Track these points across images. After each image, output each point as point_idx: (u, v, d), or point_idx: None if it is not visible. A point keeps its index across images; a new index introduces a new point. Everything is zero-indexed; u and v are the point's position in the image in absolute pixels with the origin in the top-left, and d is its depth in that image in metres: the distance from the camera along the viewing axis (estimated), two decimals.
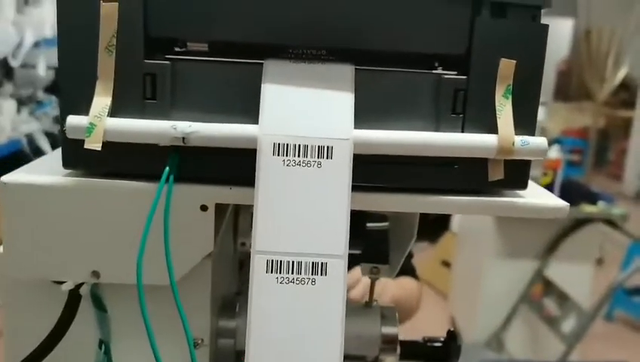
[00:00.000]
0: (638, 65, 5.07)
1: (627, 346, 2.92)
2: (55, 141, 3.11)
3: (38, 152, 2.95)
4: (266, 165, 0.44)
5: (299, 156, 0.45)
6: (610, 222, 2.42)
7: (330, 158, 0.45)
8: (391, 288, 1.08)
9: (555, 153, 2.33)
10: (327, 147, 0.45)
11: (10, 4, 2.91)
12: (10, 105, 2.96)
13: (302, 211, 0.45)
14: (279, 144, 0.44)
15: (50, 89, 3.36)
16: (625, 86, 5.27)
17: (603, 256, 3.42)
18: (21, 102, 3.09)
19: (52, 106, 3.25)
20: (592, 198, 2.43)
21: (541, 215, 0.48)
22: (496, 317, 2.51)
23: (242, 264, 0.82)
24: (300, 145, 0.45)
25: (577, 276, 2.47)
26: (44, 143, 3.06)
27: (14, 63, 2.93)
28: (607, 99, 5.10)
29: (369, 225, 0.67)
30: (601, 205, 2.43)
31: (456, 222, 3.04)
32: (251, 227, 0.81)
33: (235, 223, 0.76)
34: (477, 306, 2.55)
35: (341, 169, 0.45)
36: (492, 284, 2.51)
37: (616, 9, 4.67)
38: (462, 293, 2.81)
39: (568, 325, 2.26)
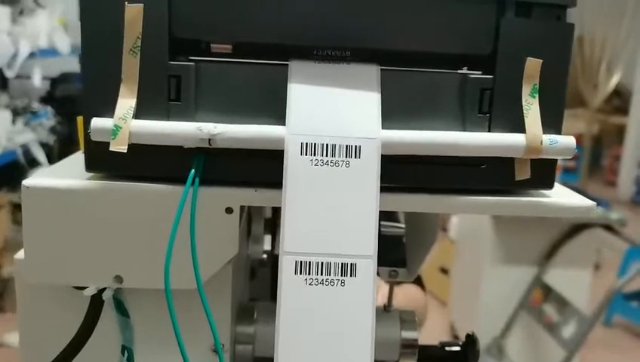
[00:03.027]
0: (630, 72, 5.11)
1: (626, 352, 2.92)
2: (50, 152, 3.10)
3: (33, 163, 2.94)
4: (294, 165, 0.44)
5: (327, 156, 0.44)
6: (608, 227, 2.42)
7: (358, 158, 0.44)
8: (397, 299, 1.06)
9: None
10: (355, 146, 0.44)
11: (5, 15, 2.90)
12: (5, 115, 2.94)
13: (330, 211, 0.44)
14: (307, 143, 0.44)
15: (46, 99, 3.35)
16: (618, 93, 5.31)
17: (600, 261, 3.43)
18: (16, 113, 3.08)
19: (47, 117, 3.24)
20: None
21: (570, 214, 0.48)
22: (496, 323, 2.50)
23: (254, 272, 0.82)
24: (327, 145, 0.44)
25: (576, 281, 2.47)
26: (39, 154, 3.05)
27: (9, 74, 2.92)
28: (601, 105, 5.13)
29: (383, 224, 0.67)
30: (599, 210, 2.44)
31: (453, 228, 3.04)
32: (264, 234, 0.81)
33: (247, 230, 0.76)
34: (476, 313, 2.55)
35: (369, 168, 0.44)
36: (491, 291, 2.51)
37: (608, 16, 4.70)
38: (461, 300, 2.80)
39: (568, 331, 2.25)
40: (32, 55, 2.98)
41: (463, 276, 2.81)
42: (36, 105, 3.24)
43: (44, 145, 3.12)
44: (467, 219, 2.78)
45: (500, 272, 2.49)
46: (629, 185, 5.37)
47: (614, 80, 4.94)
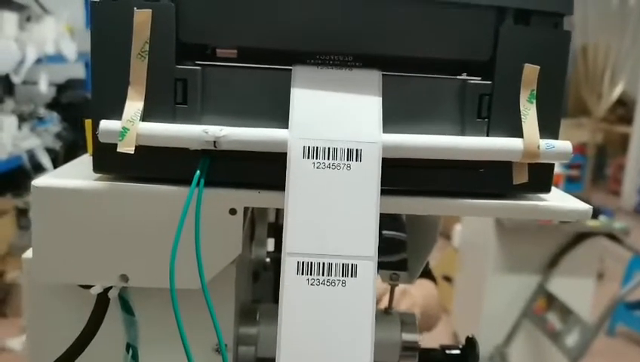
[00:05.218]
0: (634, 81, 5.12)
1: (630, 361, 2.91)
2: (56, 157, 3.12)
3: (38, 168, 2.96)
4: (297, 168, 0.45)
5: (328, 159, 0.45)
6: (611, 236, 2.43)
7: (359, 161, 0.45)
8: (418, 300, 1.06)
9: (555, 168, 2.34)
10: (357, 150, 0.45)
11: (12, 21, 2.93)
12: (12, 121, 2.96)
13: (332, 213, 0.45)
14: (309, 147, 0.45)
15: (51, 105, 3.38)
16: (622, 102, 5.31)
17: (603, 270, 3.43)
18: (22, 119, 3.10)
19: (53, 123, 3.26)
20: (594, 213, 2.44)
21: (565, 217, 0.49)
22: (499, 332, 2.50)
23: (256, 275, 0.83)
24: (329, 148, 0.45)
25: (579, 290, 2.47)
26: (44, 159, 3.07)
27: (16, 80, 2.94)
28: (605, 115, 5.13)
29: (385, 232, 0.68)
30: (602, 219, 2.44)
31: (457, 236, 3.04)
32: (267, 236, 0.82)
33: (251, 233, 0.77)
34: (480, 321, 2.55)
35: (370, 171, 0.45)
36: (494, 299, 2.51)
37: (611, 25, 4.71)
38: (464, 308, 2.80)
39: (572, 339, 2.25)
40: (38, 61, 3.01)
41: (466, 284, 2.82)
42: (42, 111, 3.26)
43: (49, 151, 3.14)
44: (471, 227, 2.78)
45: (503, 280, 2.49)
46: (633, 194, 5.37)
47: (618, 89, 4.94)
